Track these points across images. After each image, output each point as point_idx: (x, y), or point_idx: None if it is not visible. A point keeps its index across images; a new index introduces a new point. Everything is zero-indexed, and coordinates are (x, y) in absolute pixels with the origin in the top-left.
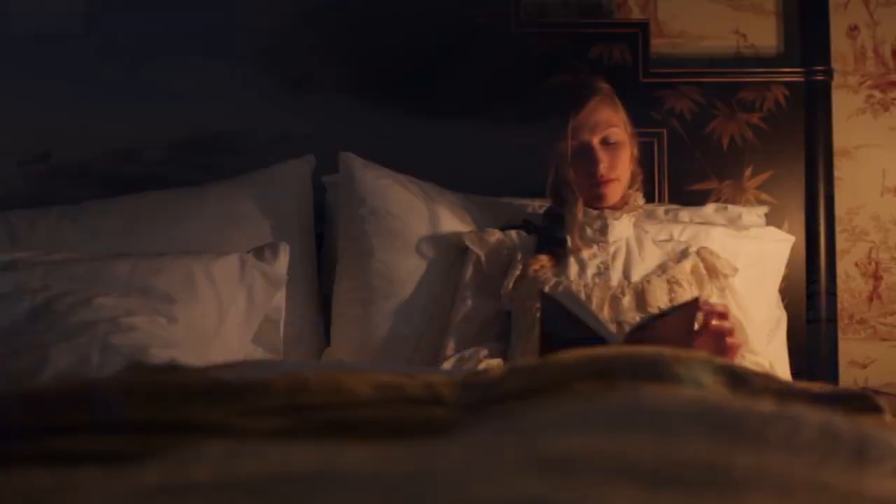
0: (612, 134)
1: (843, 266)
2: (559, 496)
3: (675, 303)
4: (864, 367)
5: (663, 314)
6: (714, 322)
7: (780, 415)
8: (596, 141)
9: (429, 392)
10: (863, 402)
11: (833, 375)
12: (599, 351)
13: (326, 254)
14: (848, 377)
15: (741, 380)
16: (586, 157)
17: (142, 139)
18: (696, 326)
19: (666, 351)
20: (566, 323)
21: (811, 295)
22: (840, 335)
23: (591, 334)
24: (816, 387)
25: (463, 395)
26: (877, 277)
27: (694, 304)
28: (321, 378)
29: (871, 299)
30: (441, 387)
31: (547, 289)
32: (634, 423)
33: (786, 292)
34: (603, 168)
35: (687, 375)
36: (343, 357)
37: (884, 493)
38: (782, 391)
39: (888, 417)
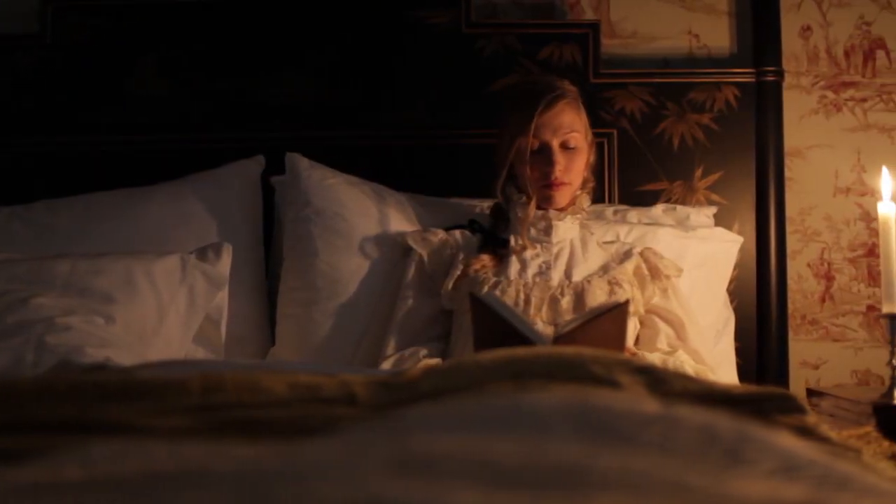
0: (572, 138)
1: (796, 267)
2: (403, 495)
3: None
4: (816, 367)
5: (595, 316)
6: None
7: (659, 416)
8: (556, 143)
9: (344, 392)
10: (786, 402)
11: (783, 376)
12: (519, 352)
13: (275, 254)
14: (799, 378)
15: (660, 381)
16: (544, 157)
17: None
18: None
19: (586, 352)
20: (494, 324)
21: (761, 295)
22: (792, 336)
23: (518, 335)
24: (739, 388)
25: (378, 395)
26: (829, 278)
27: (625, 306)
28: (238, 378)
29: (823, 300)
30: (356, 387)
31: (486, 288)
32: (512, 423)
33: (736, 293)
34: (558, 171)
35: (605, 376)
36: (287, 357)
37: (749, 496)
38: (700, 392)
39: (810, 418)
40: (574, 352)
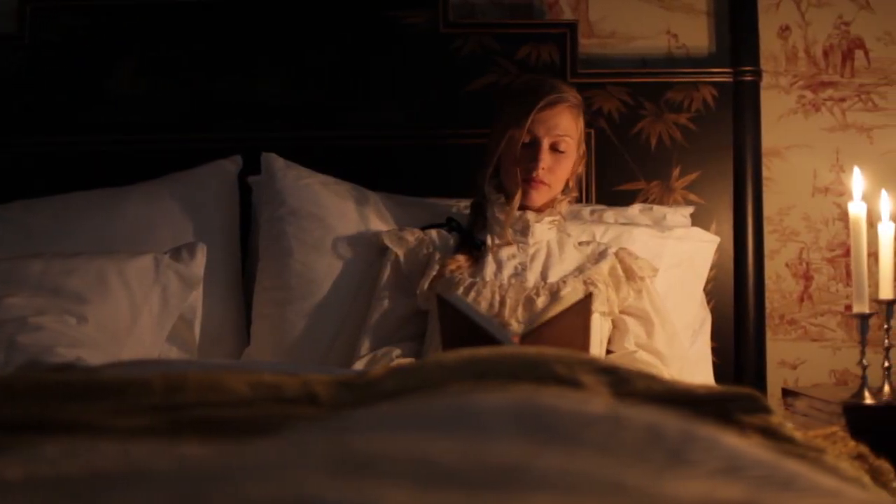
0: (563, 142)
1: (774, 267)
2: (333, 495)
3: None
4: (795, 367)
5: (560, 312)
6: None
7: (604, 416)
8: (546, 142)
9: (305, 392)
10: (750, 402)
11: (761, 376)
12: (482, 352)
13: (252, 254)
14: (778, 377)
15: (623, 381)
16: (531, 152)
17: None
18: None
19: (549, 352)
20: (461, 325)
21: (739, 295)
22: (770, 336)
23: (485, 335)
24: (702, 388)
25: (339, 394)
26: (807, 278)
27: (587, 300)
28: (200, 377)
29: (801, 300)
30: (318, 386)
31: (461, 289)
32: (456, 423)
33: (714, 293)
34: (542, 168)
35: (567, 376)
36: (261, 357)
37: (685, 496)
38: (663, 392)
39: (775, 418)
40: (537, 352)
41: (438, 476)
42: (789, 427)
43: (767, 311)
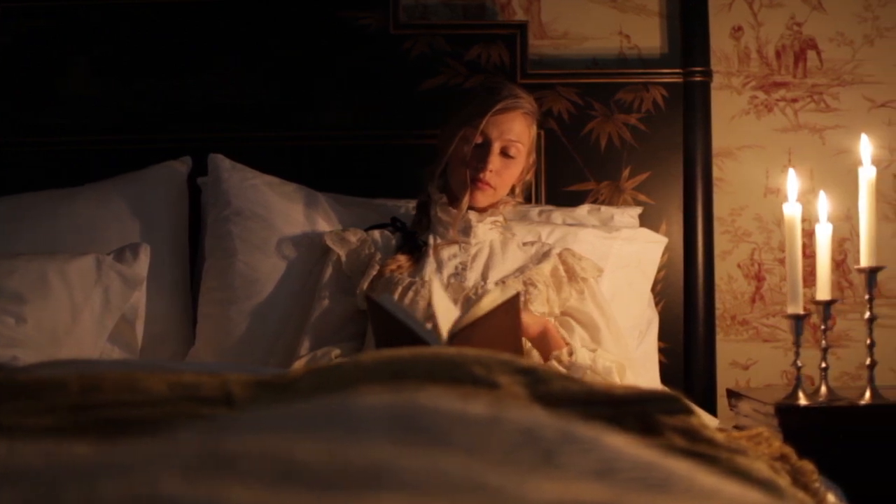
0: (514, 147)
1: (726, 267)
2: (184, 494)
3: (528, 304)
4: (746, 368)
5: (488, 312)
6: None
7: (482, 417)
8: (497, 145)
9: (222, 391)
10: (670, 403)
11: (710, 376)
12: (402, 352)
13: (201, 254)
14: (729, 378)
15: (541, 381)
16: (481, 153)
17: None
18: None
19: (469, 352)
20: (390, 326)
21: (688, 296)
22: (722, 336)
23: (414, 336)
24: (621, 388)
25: (254, 394)
26: (759, 278)
27: (515, 298)
28: (116, 377)
29: (753, 300)
30: (234, 386)
31: (400, 289)
32: (332, 423)
33: (663, 293)
34: (488, 171)
35: (484, 377)
36: (205, 357)
37: (543, 498)
38: (581, 393)
39: (695, 419)
40: (456, 352)
41: (295, 476)
42: (710, 428)
43: (719, 311)
